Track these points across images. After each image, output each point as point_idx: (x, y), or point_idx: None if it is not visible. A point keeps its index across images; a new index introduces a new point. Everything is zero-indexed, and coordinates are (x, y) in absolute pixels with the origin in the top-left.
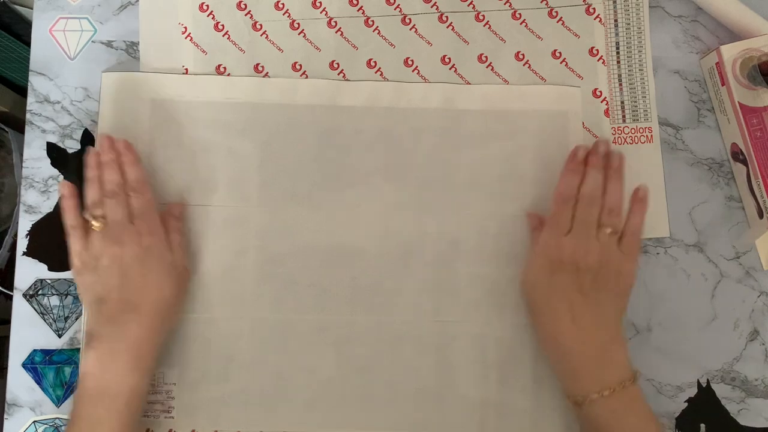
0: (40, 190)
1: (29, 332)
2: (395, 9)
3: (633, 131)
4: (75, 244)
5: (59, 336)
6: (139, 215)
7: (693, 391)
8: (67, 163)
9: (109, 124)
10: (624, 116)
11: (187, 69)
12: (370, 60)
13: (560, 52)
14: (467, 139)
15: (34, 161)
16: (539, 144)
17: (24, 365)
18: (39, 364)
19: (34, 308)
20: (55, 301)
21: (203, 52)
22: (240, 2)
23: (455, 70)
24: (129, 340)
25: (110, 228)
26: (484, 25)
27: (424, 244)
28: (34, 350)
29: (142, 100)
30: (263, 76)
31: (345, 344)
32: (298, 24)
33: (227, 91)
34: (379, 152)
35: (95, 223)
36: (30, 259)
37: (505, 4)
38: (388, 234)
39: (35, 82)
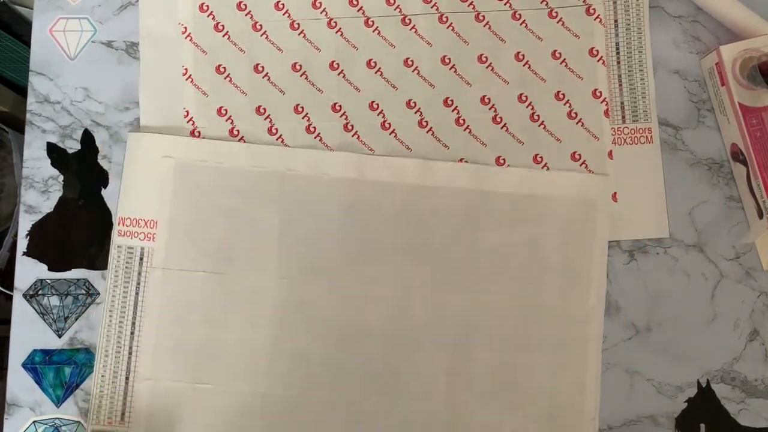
0: (40, 190)
1: (29, 332)
2: (395, 9)
3: (633, 132)
4: None
5: (59, 336)
6: None
7: (693, 391)
8: (68, 163)
9: (133, 184)
10: (624, 117)
11: (186, 69)
12: (370, 60)
13: (560, 53)
14: (492, 222)
15: (34, 161)
16: (565, 231)
17: (24, 365)
18: (39, 364)
19: (34, 308)
20: (55, 301)
21: (203, 52)
22: (240, 2)
23: (455, 71)
24: None
25: None
26: (484, 26)
27: (440, 326)
28: (34, 350)
29: (166, 163)
30: (281, 144)
31: (356, 425)
32: (298, 24)
33: (251, 160)
34: (400, 229)
35: None
36: (30, 259)
37: (505, 4)
38: (405, 314)
39: (35, 82)
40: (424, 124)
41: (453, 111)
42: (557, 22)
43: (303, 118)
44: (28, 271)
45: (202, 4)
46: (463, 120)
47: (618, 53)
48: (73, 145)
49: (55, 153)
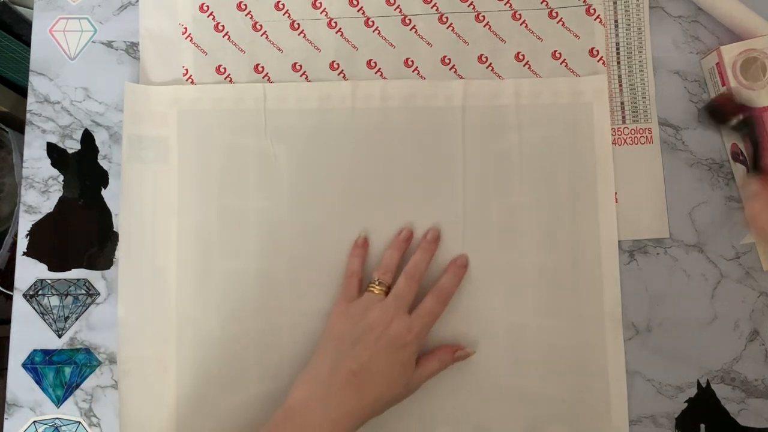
0: (40, 191)
1: (29, 332)
2: (395, 9)
3: (633, 132)
4: (347, 292)
5: (59, 336)
6: (418, 315)
7: (693, 392)
8: (68, 163)
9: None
10: (624, 117)
11: (187, 69)
12: (370, 60)
13: (560, 53)
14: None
15: (34, 161)
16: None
17: (24, 365)
18: (39, 364)
19: (34, 308)
20: (55, 301)
21: (203, 52)
22: (240, 2)
23: (455, 71)
24: (341, 407)
25: (388, 301)
26: (484, 26)
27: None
28: (34, 350)
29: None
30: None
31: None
32: (298, 24)
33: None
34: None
35: (375, 289)
36: (30, 259)
37: (505, 4)
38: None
39: (35, 82)
40: None
41: None
42: (557, 22)
43: None
44: (28, 271)
45: (202, 4)
46: None
47: (618, 53)
48: (73, 145)
49: (55, 153)
